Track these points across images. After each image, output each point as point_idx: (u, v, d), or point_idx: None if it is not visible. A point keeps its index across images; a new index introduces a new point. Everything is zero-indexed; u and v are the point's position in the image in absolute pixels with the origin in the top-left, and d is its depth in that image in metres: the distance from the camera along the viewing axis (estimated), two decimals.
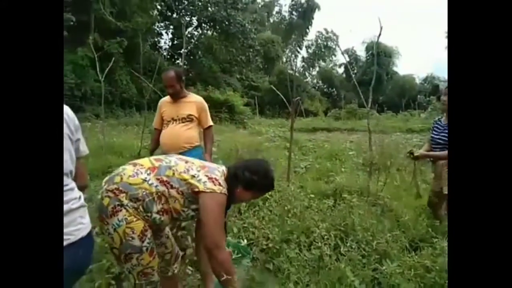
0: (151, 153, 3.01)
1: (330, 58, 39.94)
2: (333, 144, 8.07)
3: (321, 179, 4.59)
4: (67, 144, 1.16)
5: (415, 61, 74.36)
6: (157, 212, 1.51)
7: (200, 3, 20.34)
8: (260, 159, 1.83)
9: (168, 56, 21.87)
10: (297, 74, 28.67)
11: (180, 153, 2.50)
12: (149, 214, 1.50)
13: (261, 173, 1.70)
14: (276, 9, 38.65)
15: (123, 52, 14.80)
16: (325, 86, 36.03)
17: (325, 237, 2.48)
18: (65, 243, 1.06)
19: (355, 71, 33.19)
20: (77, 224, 1.13)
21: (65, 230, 1.07)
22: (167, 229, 1.85)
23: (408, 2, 74.27)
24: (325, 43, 38.48)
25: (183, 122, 2.82)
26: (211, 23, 21.76)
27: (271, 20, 38.05)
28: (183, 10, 21.33)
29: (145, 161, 1.62)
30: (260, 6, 33.54)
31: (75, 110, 1.41)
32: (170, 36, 22.81)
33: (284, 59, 33.27)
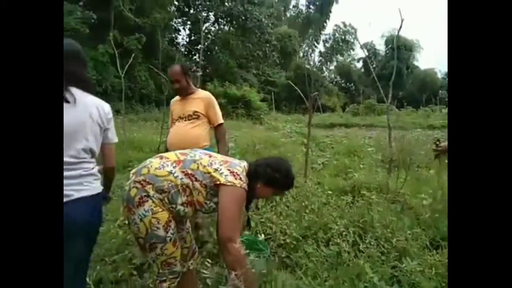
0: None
1: (348, 53, 39.29)
2: (351, 140, 7.97)
3: (339, 176, 4.56)
4: (95, 129, 1.46)
5: (437, 55, 71.91)
6: (182, 204, 1.56)
7: None
8: (281, 157, 1.84)
9: (186, 52, 22.07)
10: (314, 69, 28.38)
11: None
12: (173, 206, 1.55)
13: (283, 171, 1.71)
14: (293, 3, 38.30)
15: (142, 48, 15.04)
16: (343, 81, 35.49)
17: (344, 233, 2.48)
18: (69, 198, 1.33)
19: (374, 65, 32.49)
20: (81, 185, 1.39)
21: (72, 188, 1.35)
22: (188, 224, 1.90)
23: None
24: (343, 37, 37.85)
25: (189, 120, 2.62)
26: (228, 18, 21.79)
27: (288, 15, 37.69)
28: (200, 6, 21.44)
29: (171, 155, 1.67)
30: (276, 0, 33.27)
31: None
32: (188, 32, 23.02)
33: (301, 54, 32.99)
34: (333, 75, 37.61)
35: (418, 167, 4.73)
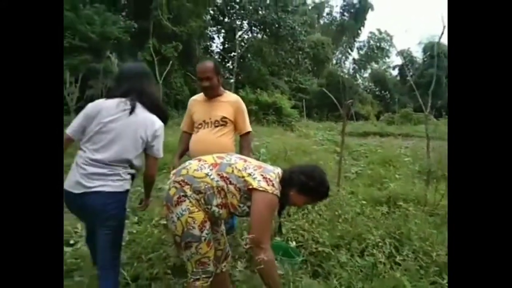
0: (180, 157, 2.55)
1: (383, 60, 38.22)
2: (386, 149, 7.71)
3: (374, 186, 4.44)
4: (138, 142, 1.70)
5: None
6: (217, 205, 1.61)
7: (251, 7, 20.72)
8: (316, 165, 1.83)
9: (219, 59, 22.56)
10: (347, 76, 27.88)
11: None
12: (209, 207, 1.60)
13: (317, 180, 1.71)
14: (327, 10, 37.96)
15: (178, 55, 15.59)
16: (377, 88, 34.48)
17: (379, 244, 2.40)
18: (90, 190, 1.61)
19: (411, 73, 31.35)
20: (104, 180, 1.64)
21: (94, 182, 1.62)
22: (223, 226, 1.93)
23: None
24: (378, 44, 36.92)
25: (216, 127, 2.35)
26: (261, 26, 22.04)
27: (321, 22, 37.44)
28: (234, 14, 21.89)
29: (209, 158, 1.73)
30: (310, 8, 33.21)
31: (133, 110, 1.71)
32: (222, 40, 23.55)
33: (334, 61, 32.57)
34: (367, 83, 36.68)
35: None
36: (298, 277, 2.18)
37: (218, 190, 1.61)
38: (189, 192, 1.59)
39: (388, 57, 37.72)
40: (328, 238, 2.62)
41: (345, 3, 35.51)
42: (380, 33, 36.80)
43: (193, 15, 17.11)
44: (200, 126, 2.40)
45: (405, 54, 34.53)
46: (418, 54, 34.25)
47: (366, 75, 37.97)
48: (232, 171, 1.63)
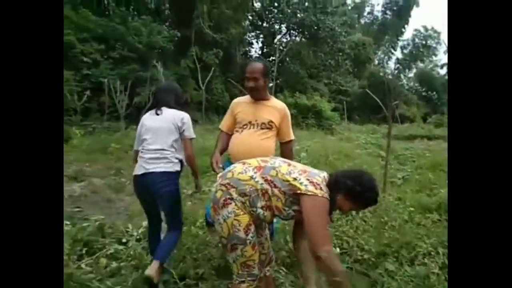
0: (219, 154, 2.49)
1: (430, 58, 36.09)
2: (435, 153, 7.25)
3: (422, 192, 4.20)
4: (174, 130, 2.28)
5: None
6: (261, 208, 1.63)
7: (289, 10, 20.72)
8: (365, 171, 1.77)
9: None
10: (390, 76, 26.73)
11: None
12: (254, 209, 1.62)
13: (365, 185, 1.66)
14: (368, 9, 36.78)
15: (219, 62, 16.01)
16: (423, 89, 32.62)
17: (431, 253, 2.27)
18: (147, 171, 2.20)
19: None
20: (156, 164, 2.20)
21: (150, 165, 2.21)
22: (267, 230, 1.95)
23: None
24: (423, 42, 34.99)
25: (261, 129, 2.34)
26: (300, 29, 21.94)
27: (362, 22, 36.36)
28: (272, 19, 22.03)
29: (253, 161, 1.76)
30: (350, 8, 32.40)
31: None
32: (260, 44, 23.79)
33: (376, 62, 31.42)
34: (412, 83, 34.87)
35: None
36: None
37: (262, 193, 1.62)
38: (235, 195, 1.62)
39: (435, 55, 35.54)
40: (374, 245, 2.52)
41: (387, 0, 34.15)
42: (426, 30, 34.86)
43: (232, 22, 17.50)
44: (245, 126, 2.38)
45: None
46: None
47: (411, 75, 36.06)
48: (276, 174, 1.64)
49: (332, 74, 24.08)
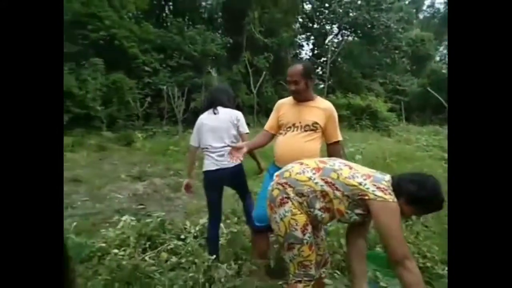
0: (252, 148, 2.45)
1: None
2: None
3: None
4: (231, 127, 2.58)
5: None
6: (320, 209, 1.61)
7: (340, 10, 20.19)
8: (429, 175, 1.67)
9: None
10: None
11: None
12: (311, 210, 1.62)
13: (429, 190, 1.57)
14: (427, 3, 34.44)
15: (269, 66, 16.17)
16: None
17: None
18: (219, 167, 2.54)
19: None
20: (211, 164, 2.57)
21: (220, 161, 2.54)
22: (323, 232, 1.93)
23: None
24: None
25: (305, 131, 2.28)
26: (352, 29, 21.26)
27: (421, 16, 34.09)
28: (323, 20, 21.65)
29: (311, 162, 1.75)
30: (407, 2, 30.56)
31: None
32: (311, 46, 23.50)
33: (438, 58, 29.18)
34: None
35: None
36: None
37: (322, 194, 1.61)
38: (291, 194, 1.63)
39: None
40: (437, 253, 2.35)
41: None
42: None
43: (283, 25, 17.56)
44: (289, 129, 2.33)
45: None
46: None
47: None
48: (338, 177, 1.61)
49: (387, 73, 22.88)
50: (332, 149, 2.38)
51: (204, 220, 3.15)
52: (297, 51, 23.27)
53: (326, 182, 1.61)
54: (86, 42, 11.61)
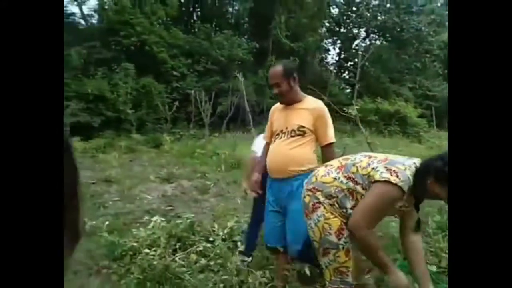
0: (258, 171, 2.33)
1: None
2: None
3: None
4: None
5: None
6: (351, 208, 1.56)
7: (368, 14, 19.83)
8: None
9: (335, 70, 22.26)
10: None
11: (287, 180, 2.05)
12: (344, 210, 1.57)
13: None
14: None
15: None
16: None
17: None
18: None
19: None
20: None
21: None
22: None
23: None
24: None
25: (291, 137, 2.07)
26: (381, 32, 20.80)
27: None
28: (351, 24, 21.34)
29: (335, 162, 1.73)
30: (439, 4, 29.57)
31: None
32: (337, 50, 23.22)
33: None
34: None
35: None
36: None
37: (349, 192, 1.56)
38: (321, 198, 1.59)
39: None
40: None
41: None
42: None
43: (309, 30, 17.49)
44: (277, 136, 2.16)
45: None
46: None
47: None
48: (357, 170, 1.57)
49: (417, 77, 22.15)
50: (325, 152, 2.13)
51: (231, 223, 3.15)
52: (323, 55, 23.06)
53: (349, 178, 1.56)
54: (118, 48, 12.08)
